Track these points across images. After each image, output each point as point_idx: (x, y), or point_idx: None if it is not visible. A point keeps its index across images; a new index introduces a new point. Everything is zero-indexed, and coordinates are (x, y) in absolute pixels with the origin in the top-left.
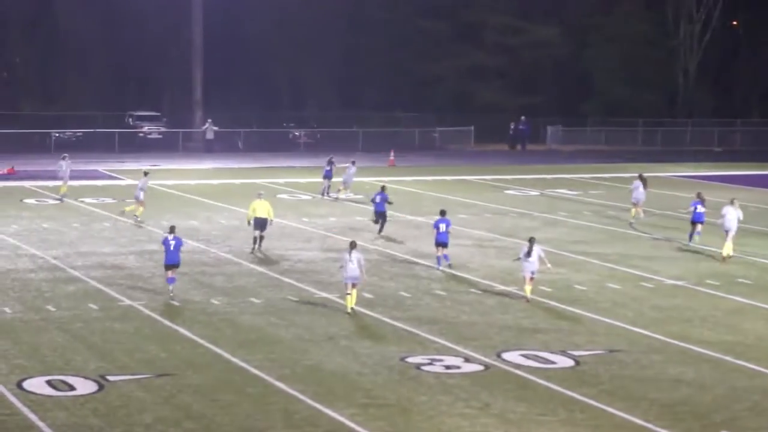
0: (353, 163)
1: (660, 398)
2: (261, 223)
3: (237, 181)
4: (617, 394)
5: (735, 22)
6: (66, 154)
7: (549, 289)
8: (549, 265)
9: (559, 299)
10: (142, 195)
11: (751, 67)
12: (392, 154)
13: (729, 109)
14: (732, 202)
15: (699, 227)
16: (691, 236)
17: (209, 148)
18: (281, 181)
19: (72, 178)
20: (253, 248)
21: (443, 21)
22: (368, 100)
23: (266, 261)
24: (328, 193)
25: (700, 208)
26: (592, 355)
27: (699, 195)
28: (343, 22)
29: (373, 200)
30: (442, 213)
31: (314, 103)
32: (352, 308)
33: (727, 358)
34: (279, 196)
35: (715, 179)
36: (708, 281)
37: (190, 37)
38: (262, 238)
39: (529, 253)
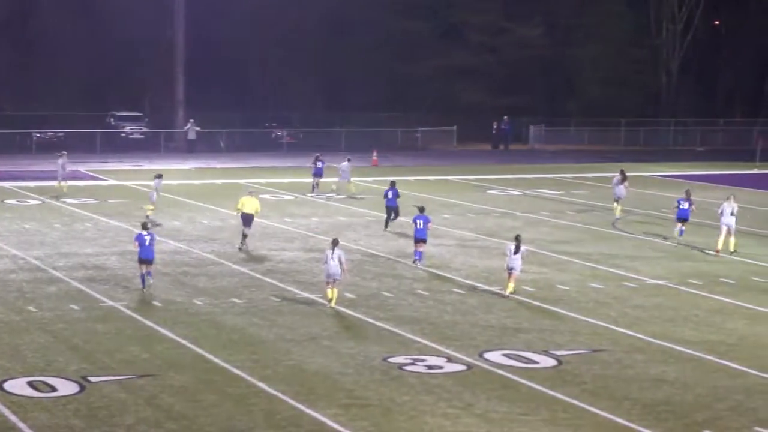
0: (349, 160)
1: (642, 398)
2: (247, 219)
3: (219, 182)
4: (600, 394)
5: (717, 22)
6: (64, 152)
7: (532, 289)
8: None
9: (541, 299)
10: (155, 196)
11: (733, 67)
12: (375, 154)
13: (711, 108)
14: (728, 199)
15: (683, 224)
16: (681, 232)
17: (191, 149)
18: (263, 181)
19: (55, 178)
20: (242, 244)
21: (426, 21)
22: (351, 100)
23: (249, 261)
24: (313, 190)
25: (684, 205)
26: (575, 355)
27: (687, 192)
28: (326, 22)
29: (385, 195)
30: (421, 210)
31: (297, 103)
32: (332, 305)
33: (710, 357)
34: (262, 196)
35: (698, 178)
36: (690, 281)
37: (172, 36)
38: (245, 236)
39: (516, 251)
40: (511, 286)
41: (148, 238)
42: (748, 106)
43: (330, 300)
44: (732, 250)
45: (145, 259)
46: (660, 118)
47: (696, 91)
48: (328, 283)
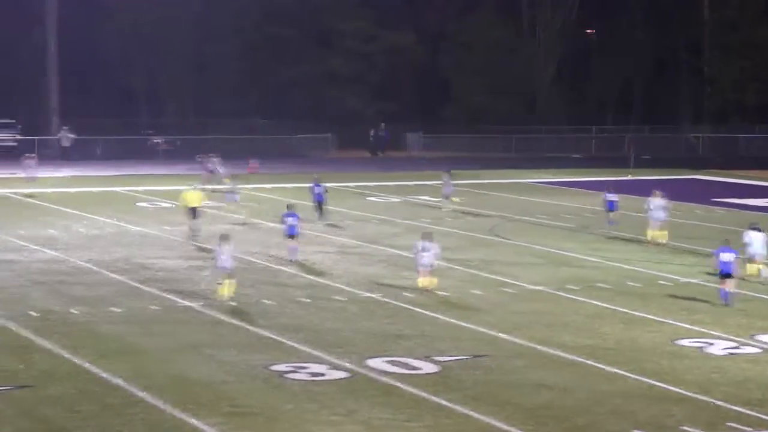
0: (217, 157)
1: (523, 402)
2: (195, 213)
3: (95, 189)
4: (482, 399)
5: (589, 31)
6: None
7: (412, 295)
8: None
9: (422, 305)
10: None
11: (605, 75)
12: (249, 161)
13: (584, 115)
14: (654, 194)
15: (612, 215)
16: (611, 222)
17: (66, 156)
18: (140, 188)
19: None
20: (196, 235)
21: (300, 27)
22: (226, 106)
23: (127, 270)
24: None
25: (611, 197)
26: (457, 361)
27: (611, 186)
28: (200, 29)
29: (312, 191)
30: (289, 207)
31: (173, 110)
32: (227, 300)
33: (588, 361)
34: (138, 204)
35: (573, 185)
36: (568, 286)
37: (44, 42)
38: (193, 229)
39: (424, 248)
40: (427, 281)
41: None
42: (619, 113)
43: (223, 295)
44: (663, 241)
45: None
46: (535, 125)
47: (569, 98)
48: (222, 277)
